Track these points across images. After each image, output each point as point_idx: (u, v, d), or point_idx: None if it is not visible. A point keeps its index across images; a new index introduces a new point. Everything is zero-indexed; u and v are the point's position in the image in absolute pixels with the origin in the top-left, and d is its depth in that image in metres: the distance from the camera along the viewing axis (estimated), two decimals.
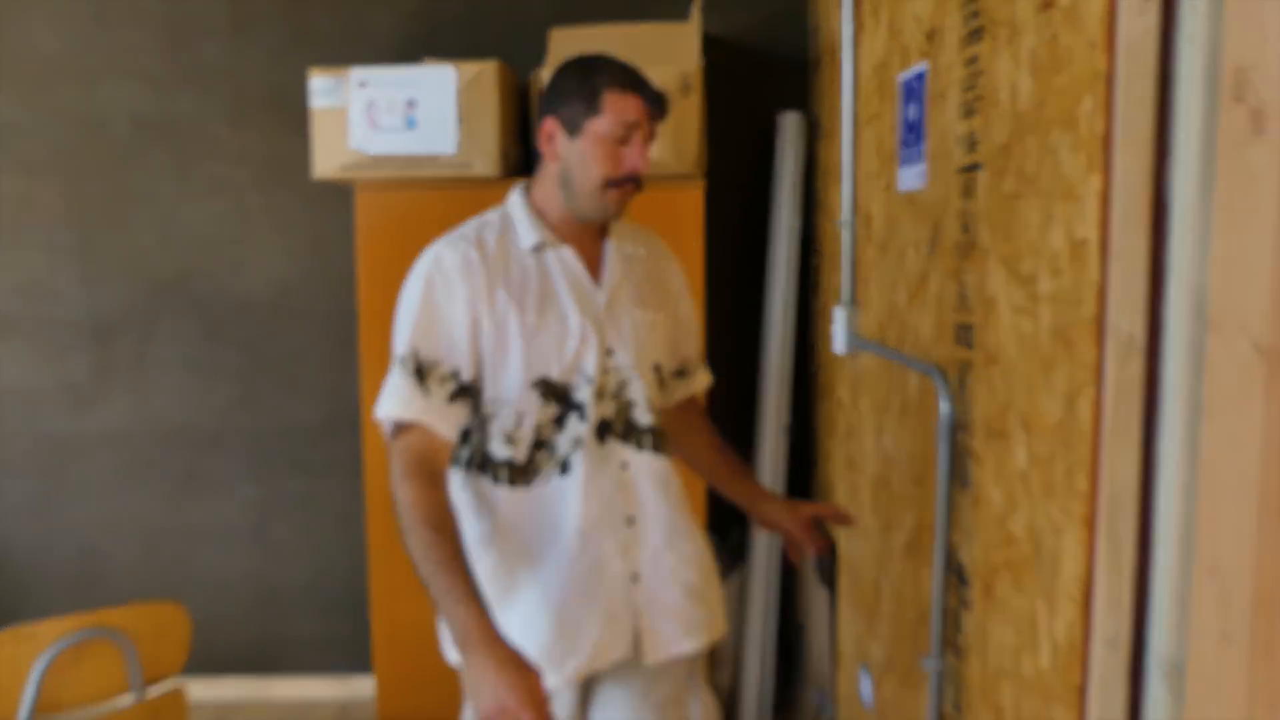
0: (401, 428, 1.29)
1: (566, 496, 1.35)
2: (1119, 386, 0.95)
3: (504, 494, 1.36)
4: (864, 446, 1.96)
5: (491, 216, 1.41)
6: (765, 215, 2.45)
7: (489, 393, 1.35)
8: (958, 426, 1.39)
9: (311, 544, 2.58)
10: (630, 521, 1.39)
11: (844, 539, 2.17)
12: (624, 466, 1.39)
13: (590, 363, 1.35)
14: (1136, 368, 0.94)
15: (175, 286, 2.51)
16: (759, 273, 2.47)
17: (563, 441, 1.36)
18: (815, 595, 2.33)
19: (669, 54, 2.14)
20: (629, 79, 1.32)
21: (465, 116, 2.10)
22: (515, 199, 1.41)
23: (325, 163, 2.14)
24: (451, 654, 1.39)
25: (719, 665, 2.40)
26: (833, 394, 2.22)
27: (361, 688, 2.55)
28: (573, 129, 1.31)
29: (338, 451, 2.51)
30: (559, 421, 1.35)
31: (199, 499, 2.59)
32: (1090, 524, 1.00)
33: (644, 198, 2.10)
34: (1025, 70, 1.11)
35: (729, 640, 2.41)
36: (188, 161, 2.47)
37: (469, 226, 1.40)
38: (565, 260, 1.38)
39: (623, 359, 1.38)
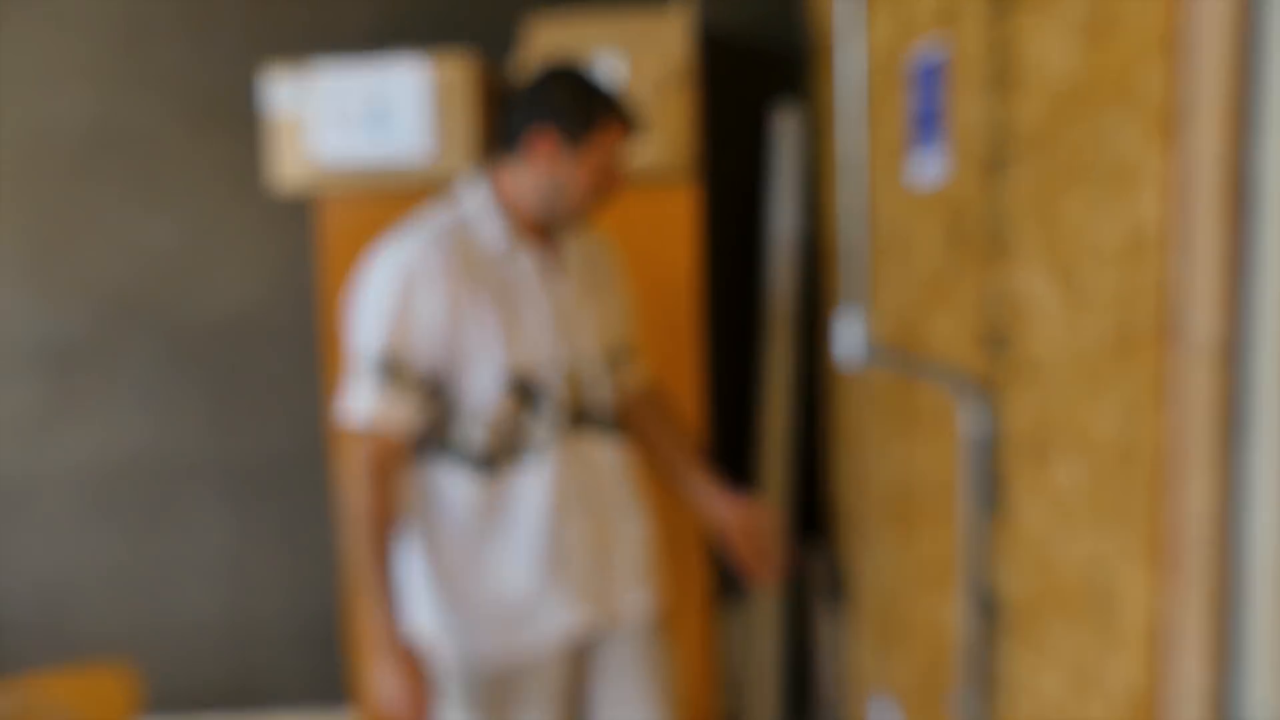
0: (369, 429, 1.32)
1: (535, 482, 1.40)
2: (1193, 398, 0.82)
3: (472, 480, 1.40)
4: (874, 464, 1.82)
5: (451, 215, 1.40)
6: (762, 217, 2.33)
7: (463, 389, 1.37)
8: (986, 444, 1.26)
9: (287, 576, 2.43)
10: (593, 504, 1.46)
11: (858, 558, 2.03)
12: (589, 453, 1.45)
13: (561, 356, 1.41)
14: (1214, 376, 0.81)
15: (134, 308, 2.36)
16: (757, 278, 2.34)
17: (534, 432, 1.40)
18: (827, 619, 2.19)
19: (657, 45, 2.01)
20: (620, 100, 1.37)
21: (442, 116, 1.96)
22: (479, 197, 1.40)
23: (286, 174, 2.00)
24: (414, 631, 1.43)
25: (724, 692, 2.26)
26: (838, 408, 2.09)
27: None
28: (573, 143, 1.34)
29: (313, 479, 2.37)
30: (532, 413, 1.39)
31: (168, 534, 2.44)
32: (1157, 557, 0.87)
33: (633, 198, 1.98)
34: (1068, 39, 0.99)
35: (734, 666, 2.27)
36: (143, 173, 2.32)
37: (436, 223, 1.39)
38: (532, 259, 1.40)
39: (587, 350, 1.44)
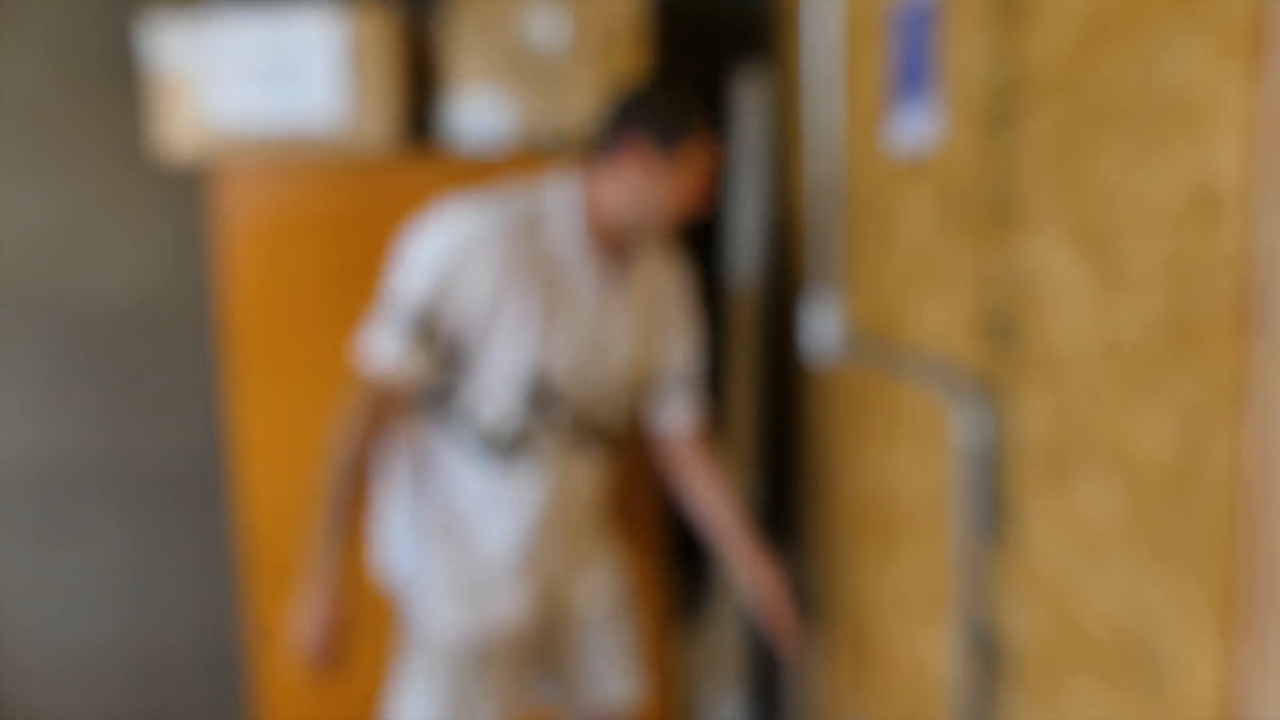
0: (381, 374, 1.32)
1: (525, 482, 1.41)
2: None
3: (473, 455, 1.40)
4: (848, 472, 1.62)
5: (531, 204, 1.37)
6: (722, 193, 2.12)
7: (480, 369, 1.36)
8: (988, 455, 1.06)
9: (190, 595, 2.17)
10: (570, 514, 1.48)
11: (830, 574, 1.83)
12: (578, 470, 1.46)
13: (586, 374, 1.40)
14: None
15: (9, 293, 2.08)
16: (717, 262, 2.13)
17: (536, 435, 1.39)
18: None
19: (603, 1, 1.78)
20: (709, 118, 1.39)
21: (358, 76, 1.72)
22: (564, 197, 1.37)
23: (176, 140, 1.74)
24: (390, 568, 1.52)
25: (685, 712, 2.06)
26: (808, 408, 1.89)
27: None
28: (667, 151, 1.33)
29: (216, 487, 2.12)
30: (540, 418, 1.39)
31: (54, 549, 2.17)
32: (1227, 611, 0.67)
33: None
34: None
35: (695, 685, 2.06)
36: (14, 140, 2.04)
37: (514, 208, 1.35)
38: (597, 272, 1.38)
39: (615, 373, 1.43)
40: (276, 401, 1.78)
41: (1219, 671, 0.68)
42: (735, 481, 1.84)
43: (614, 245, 1.39)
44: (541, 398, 1.38)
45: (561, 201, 1.37)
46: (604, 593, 1.56)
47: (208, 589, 2.16)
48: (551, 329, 1.35)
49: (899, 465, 1.35)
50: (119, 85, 1.99)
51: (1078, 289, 0.85)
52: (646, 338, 1.46)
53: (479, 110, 1.76)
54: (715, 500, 1.53)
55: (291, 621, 1.33)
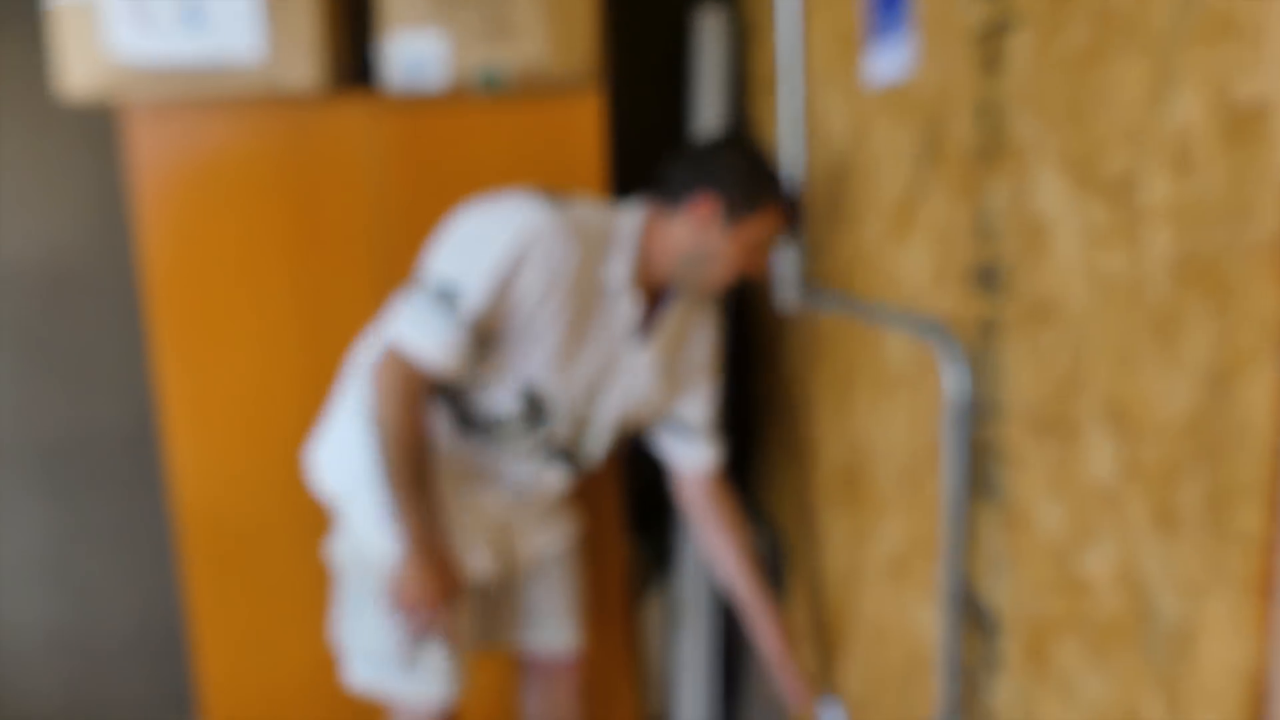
0: (425, 358, 1.27)
1: (492, 464, 1.42)
2: None
3: (451, 424, 1.39)
4: (821, 431, 1.56)
5: (602, 225, 1.33)
6: (682, 133, 2.02)
7: (486, 369, 1.34)
8: (979, 412, 1.00)
9: (122, 575, 2.07)
10: (531, 501, 1.48)
11: (801, 540, 1.78)
12: (549, 473, 1.46)
13: (582, 403, 1.39)
14: None
15: None
16: None
17: (517, 437, 1.39)
18: None
19: None
20: (789, 194, 1.35)
21: (277, 7, 1.58)
22: (632, 230, 1.34)
23: (76, 75, 1.59)
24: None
25: (648, 691, 2.01)
26: (777, 360, 1.82)
27: None
28: (732, 218, 1.30)
29: (146, 459, 2.00)
30: (527, 427, 1.38)
31: None
32: (1261, 573, 0.61)
33: (530, 108, 1.65)
34: None
35: (657, 663, 2.02)
36: None
37: (590, 223, 1.31)
38: (629, 311, 1.35)
39: (608, 413, 1.41)
40: (206, 363, 1.67)
41: (1243, 638, 0.62)
42: None
43: (654, 290, 1.38)
44: (534, 413, 1.37)
45: (627, 232, 1.34)
46: (553, 543, 1.56)
47: (141, 568, 2.05)
48: (570, 354, 1.34)
49: (882, 423, 1.29)
50: (21, 18, 1.82)
51: (1079, 225, 0.78)
52: (661, 390, 1.44)
53: (415, 52, 1.63)
54: (733, 554, 1.53)
55: (402, 591, 1.28)
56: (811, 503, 1.65)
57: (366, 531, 1.39)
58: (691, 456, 1.52)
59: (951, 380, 1.01)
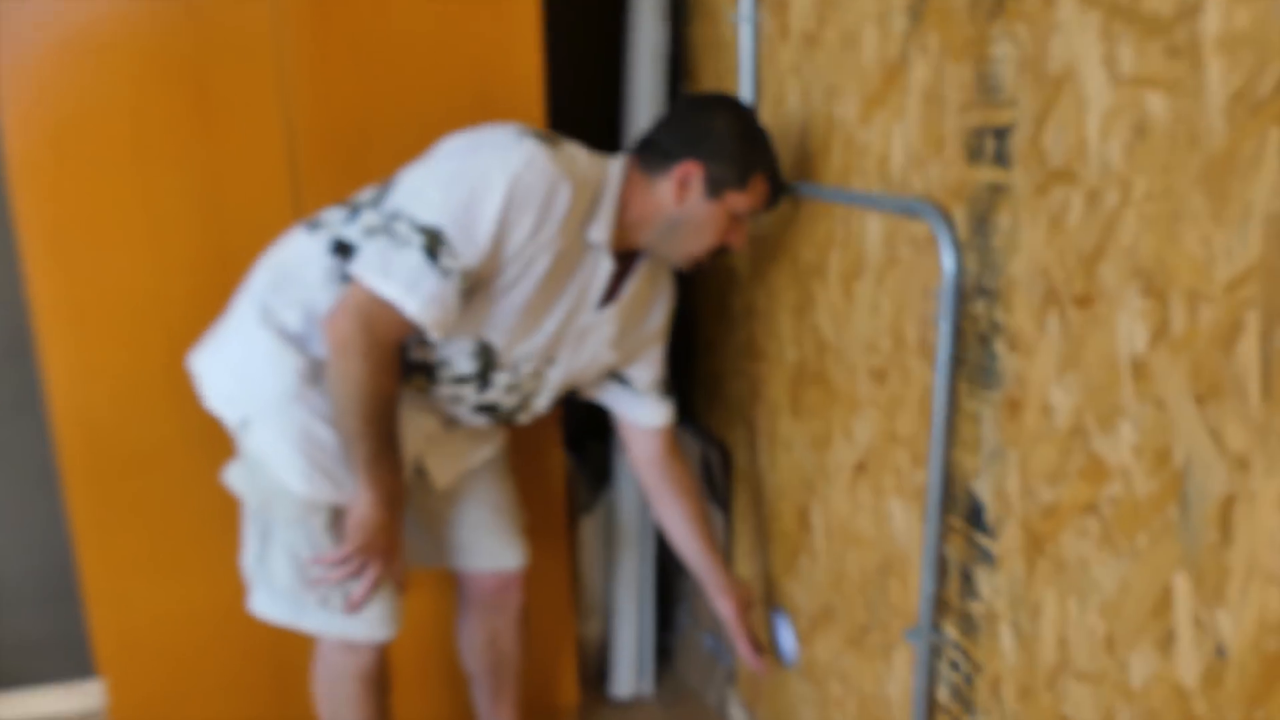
0: (406, 307, 1.13)
1: (428, 405, 1.32)
2: None
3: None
4: (777, 328, 1.50)
5: (596, 176, 1.22)
6: (620, 26, 1.89)
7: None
8: (975, 294, 0.94)
9: (9, 511, 1.88)
10: (464, 438, 1.42)
11: (740, 448, 1.73)
12: (487, 421, 1.38)
13: (535, 370, 1.31)
14: None
15: None
16: (617, 97, 1.92)
17: (461, 386, 1.29)
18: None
19: None
20: (776, 166, 1.25)
21: None
22: (615, 186, 1.23)
23: None
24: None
25: (586, 613, 1.95)
26: (720, 271, 1.74)
27: (92, 695, 1.94)
28: (714, 190, 1.21)
29: (22, 383, 1.80)
30: (474, 385, 1.29)
31: None
32: None
33: (464, 4, 1.50)
34: None
35: (596, 585, 1.96)
36: None
37: (584, 170, 1.20)
38: (600, 272, 1.26)
39: (557, 376, 1.33)
40: (84, 265, 1.47)
41: None
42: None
43: (624, 253, 1.28)
44: (485, 374, 1.27)
45: (614, 186, 1.23)
46: (479, 457, 1.46)
47: (28, 498, 1.86)
48: (536, 314, 1.23)
49: (855, 316, 1.23)
50: None
51: (1110, 73, 0.71)
52: (613, 357, 1.35)
53: None
54: (685, 515, 1.48)
55: (354, 537, 1.17)
56: (761, 414, 1.60)
57: (271, 463, 1.24)
58: (640, 414, 1.44)
59: (946, 260, 0.95)
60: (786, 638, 1.56)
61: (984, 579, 0.97)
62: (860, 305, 1.20)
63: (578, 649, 1.95)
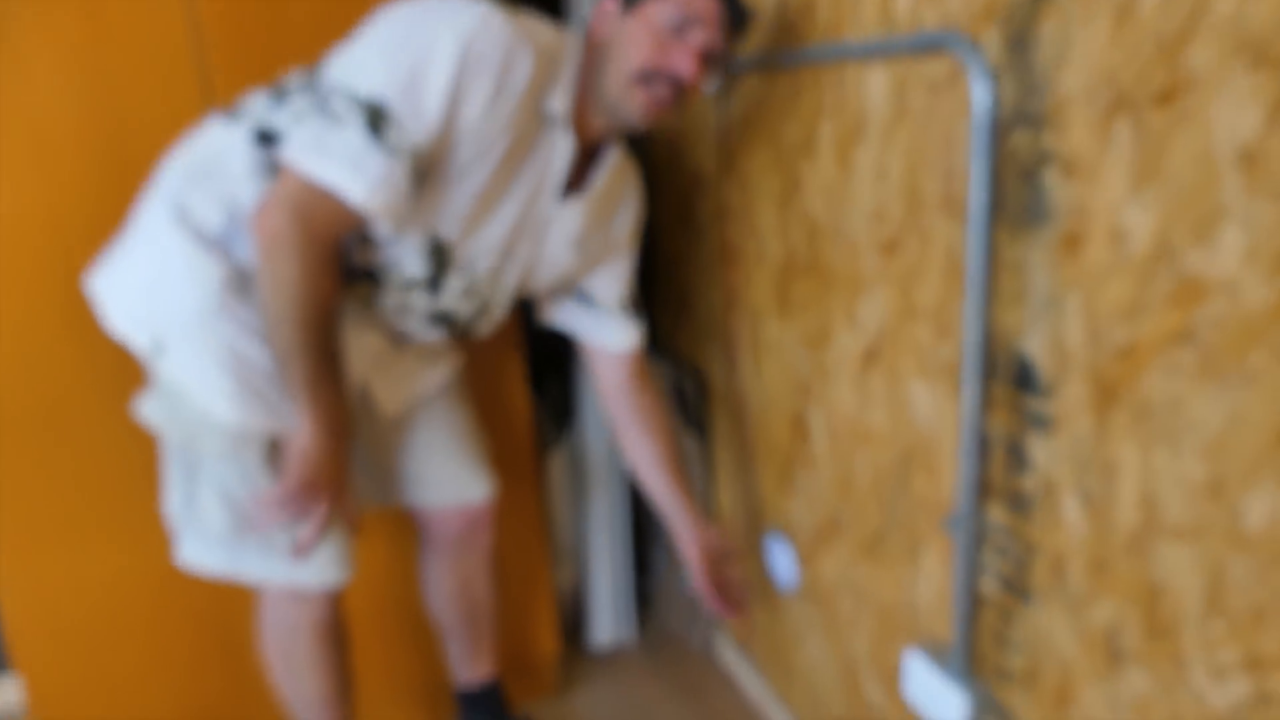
0: (349, 192, 0.99)
1: (370, 319, 1.17)
2: None
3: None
4: (756, 224, 1.39)
5: (554, 47, 1.08)
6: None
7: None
8: (1012, 122, 0.84)
9: None
10: (408, 354, 1.27)
11: (715, 367, 1.62)
12: (434, 335, 1.23)
13: (490, 259, 1.15)
14: None
15: None
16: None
17: (402, 294, 1.14)
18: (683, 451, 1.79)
19: None
20: None
21: None
22: (576, 53, 1.10)
23: None
24: None
25: (559, 560, 1.83)
26: (685, 161, 1.62)
27: (7, 690, 1.74)
28: (628, 4, 1.08)
29: None
30: (425, 290, 1.14)
31: None
32: None
33: None
34: None
35: (568, 532, 1.84)
36: None
37: (534, 29, 1.06)
38: (560, 152, 1.11)
39: (515, 276, 1.20)
40: None
41: None
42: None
43: (587, 145, 1.15)
44: (439, 275, 1.13)
45: (574, 55, 1.10)
46: (432, 383, 1.32)
47: None
48: (491, 202, 1.10)
49: (858, 183, 1.12)
50: None
51: None
52: (576, 261, 1.23)
53: None
54: (654, 453, 1.35)
55: (291, 474, 1.02)
56: (739, 325, 1.49)
57: (193, 390, 1.09)
58: (607, 336, 1.32)
59: (978, 93, 0.85)
60: (783, 563, 1.47)
61: (1038, 448, 0.87)
62: (861, 175, 1.09)
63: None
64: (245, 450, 1.09)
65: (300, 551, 1.04)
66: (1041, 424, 0.86)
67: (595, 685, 1.73)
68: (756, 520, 1.55)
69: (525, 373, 1.61)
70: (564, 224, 1.16)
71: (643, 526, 1.94)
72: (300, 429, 1.02)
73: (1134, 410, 0.76)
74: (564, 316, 1.32)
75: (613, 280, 1.29)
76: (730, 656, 1.75)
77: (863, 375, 1.16)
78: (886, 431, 1.13)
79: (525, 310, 1.54)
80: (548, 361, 1.84)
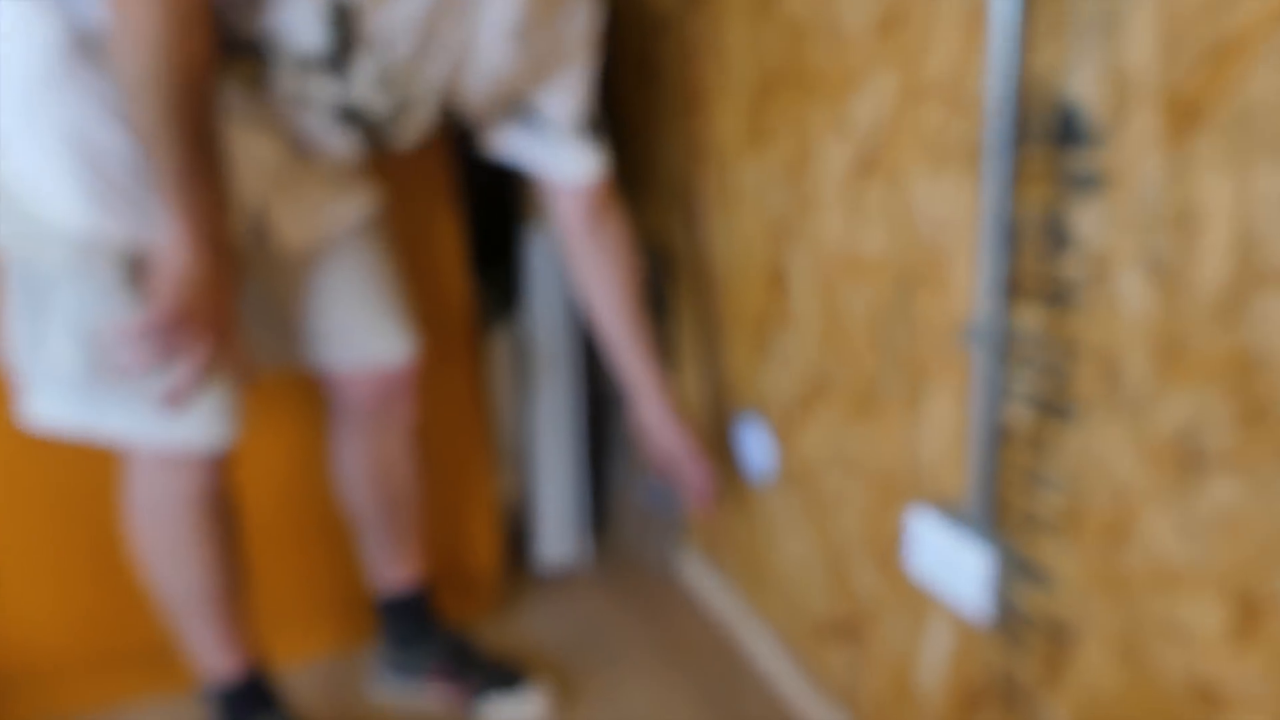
0: None
1: (261, 96, 0.95)
2: None
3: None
4: (726, 51, 1.20)
5: None
6: None
7: None
8: None
9: None
10: (305, 159, 1.04)
11: (679, 235, 1.44)
12: (339, 134, 1.01)
13: (409, 40, 0.94)
14: None
15: None
16: None
17: (298, 78, 0.93)
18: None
19: None
20: None
21: None
22: None
23: None
24: None
25: (501, 464, 1.63)
26: (658, 71, 1.42)
27: None
28: None
29: None
30: (321, 66, 0.92)
31: None
32: None
33: None
34: None
35: (512, 432, 1.64)
36: None
37: None
38: None
39: (441, 70, 0.99)
40: None
41: None
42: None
43: None
44: (343, 49, 0.92)
45: None
46: (344, 217, 1.12)
47: None
48: None
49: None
50: None
51: None
52: (519, 62, 1.03)
53: None
54: (613, 287, 1.20)
55: (158, 304, 0.82)
56: (705, 175, 1.31)
57: (29, 188, 0.89)
58: (563, 167, 1.15)
59: None
60: (757, 448, 1.29)
61: (1084, 219, 0.70)
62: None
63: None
64: (100, 266, 0.89)
65: (173, 401, 0.83)
66: (1090, 185, 0.69)
67: (542, 605, 1.55)
68: (725, 404, 1.37)
69: (461, 221, 1.41)
70: (499, 6, 0.96)
71: (600, 428, 1.74)
72: (170, 238, 0.82)
73: (1225, 127, 0.58)
74: (511, 145, 1.13)
75: (566, 95, 1.09)
76: (694, 572, 1.57)
77: (853, 191, 0.98)
78: (882, 254, 0.95)
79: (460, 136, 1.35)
80: (491, 237, 1.64)
